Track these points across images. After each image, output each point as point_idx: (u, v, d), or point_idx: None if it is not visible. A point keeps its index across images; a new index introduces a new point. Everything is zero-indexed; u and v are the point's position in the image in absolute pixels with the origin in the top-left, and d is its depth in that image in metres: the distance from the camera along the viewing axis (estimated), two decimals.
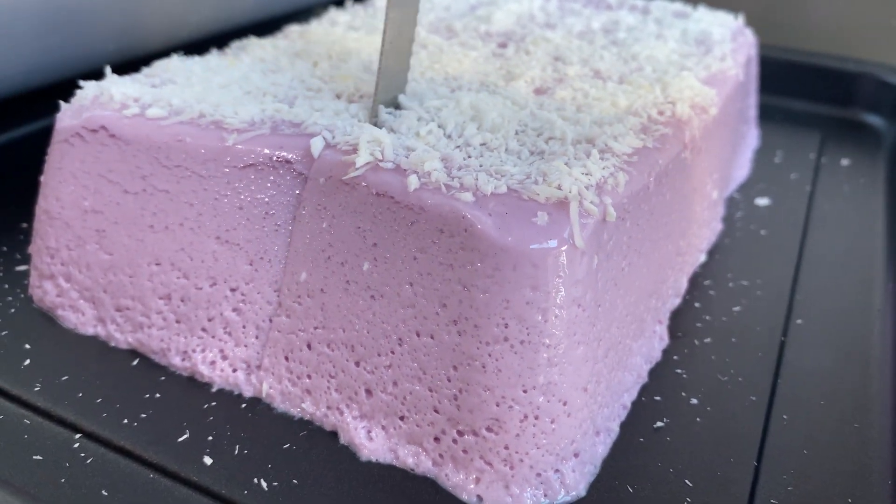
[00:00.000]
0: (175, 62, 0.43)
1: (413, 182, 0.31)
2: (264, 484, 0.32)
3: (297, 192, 0.35)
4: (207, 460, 0.33)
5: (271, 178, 0.35)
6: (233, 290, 0.36)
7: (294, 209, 0.35)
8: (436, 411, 0.32)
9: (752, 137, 0.63)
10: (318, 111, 0.37)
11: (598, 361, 0.33)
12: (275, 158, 0.35)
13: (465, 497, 0.32)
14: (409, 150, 0.33)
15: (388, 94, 0.39)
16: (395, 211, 0.32)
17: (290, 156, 0.35)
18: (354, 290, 0.33)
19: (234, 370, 0.36)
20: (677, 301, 0.44)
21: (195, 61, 0.43)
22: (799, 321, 0.43)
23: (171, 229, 0.37)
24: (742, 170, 0.59)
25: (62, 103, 0.40)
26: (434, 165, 0.32)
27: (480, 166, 0.33)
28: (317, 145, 0.34)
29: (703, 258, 0.48)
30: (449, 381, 0.32)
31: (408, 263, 0.32)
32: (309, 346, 0.35)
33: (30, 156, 0.47)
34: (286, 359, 0.36)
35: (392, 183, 0.32)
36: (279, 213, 0.35)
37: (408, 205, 0.31)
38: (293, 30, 0.51)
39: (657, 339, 0.40)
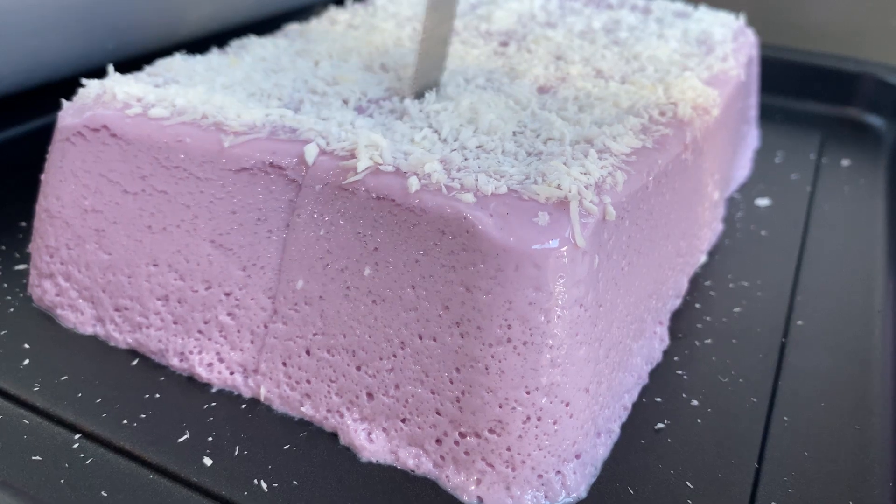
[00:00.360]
0: (178, 61, 0.42)
1: (414, 184, 0.31)
2: (264, 485, 0.32)
3: (290, 198, 0.34)
4: (207, 461, 0.33)
5: (263, 183, 0.35)
6: (227, 294, 0.36)
7: (287, 216, 0.35)
8: (438, 413, 0.32)
9: (752, 137, 0.63)
10: (324, 120, 0.37)
11: (599, 362, 0.33)
12: (267, 163, 0.34)
13: (465, 498, 0.32)
14: (407, 154, 0.33)
15: (424, 82, 0.39)
16: (396, 214, 0.32)
17: (282, 161, 0.34)
18: (355, 296, 0.33)
19: (232, 373, 0.36)
20: (678, 302, 0.44)
21: (197, 60, 0.43)
22: (799, 322, 0.43)
23: (169, 231, 0.37)
24: (742, 170, 0.59)
25: (64, 101, 0.40)
26: (434, 167, 0.32)
27: (478, 167, 0.33)
28: (311, 152, 0.34)
29: (703, 259, 0.48)
30: (451, 383, 0.32)
31: (409, 266, 0.32)
32: (308, 352, 0.35)
33: (30, 154, 0.47)
34: (284, 364, 0.35)
35: (392, 186, 0.32)
36: (272, 220, 0.35)
37: (409, 207, 0.31)
38: (293, 28, 0.51)
39: (658, 340, 0.40)
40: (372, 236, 0.33)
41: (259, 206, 0.35)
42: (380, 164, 0.32)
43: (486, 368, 0.31)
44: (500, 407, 0.31)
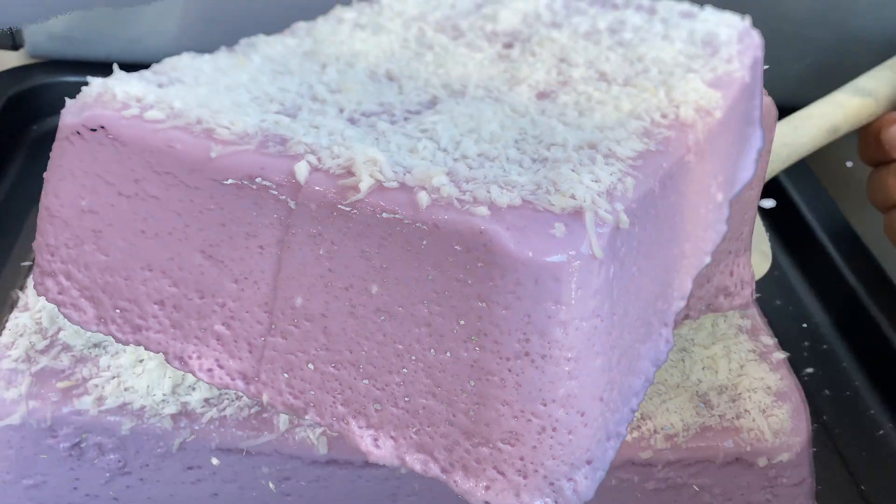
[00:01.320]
0: (185, 59, 0.42)
1: (424, 199, 0.30)
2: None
3: (282, 215, 0.33)
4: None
5: (252, 197, 0.33)
6: (221, 305, 0.35)
7: (279, 232, 0.33)
8: (450, 424, 0.32)
9: (756, 138, 0.63)
10: (315, 128, 0.35)
11: (612, 369, 0.33)
12: (255, 178, 0.33)
13: (472, 502, 0.32)
14: (407, 168, 0.32)
15: None
16: (405, 231, 0.30)
17: (271, 178, 0.32)
18: (362, 314, 0.32)
19: (233, 379, 0.36)
20: (682, 303, 0.44)
21: (205, 59, 0.42)
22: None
23: (161, 237, 0.36)
24: (746, 171, 0.59)
25: (68, 100, 0.39)
26: (442, 180, 0.31)
27: (485, 177, 0.32)
28: (301, 171, 0.32)
29: (707, 260, 0.48)
30: (465, 395, 0.31)
31: (421, 283, 0.31)
32: (311, 366, 0.34)
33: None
34: (286, 375, 0.35)
35: (399, 202, 0.30)
36: (263, 236, 0.33)
37: (419, 223, 0.30)
38: (300, 26, 0.50)
39: (663, 342, 0.40)
40: (379, 255, 0.31)
41: (248, 221, 0.34)
42: (382, 181, 0.31)
43: (503, 382, 0.30)
44: (515, 419, 0.31)
